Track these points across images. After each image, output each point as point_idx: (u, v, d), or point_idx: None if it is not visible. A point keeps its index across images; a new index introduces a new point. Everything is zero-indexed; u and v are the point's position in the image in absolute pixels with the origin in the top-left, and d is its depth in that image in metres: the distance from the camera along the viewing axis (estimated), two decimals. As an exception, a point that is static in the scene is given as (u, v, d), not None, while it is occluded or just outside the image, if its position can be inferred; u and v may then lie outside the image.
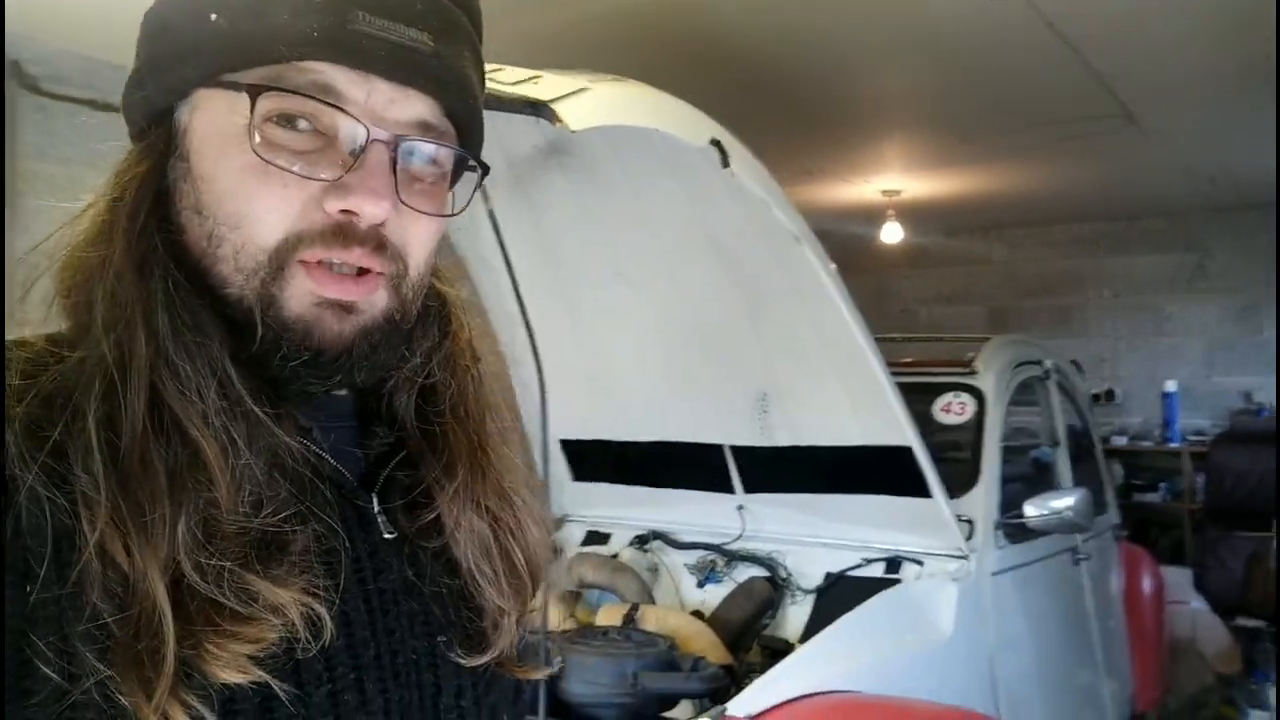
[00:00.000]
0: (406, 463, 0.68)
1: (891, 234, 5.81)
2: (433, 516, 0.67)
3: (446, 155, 0.64)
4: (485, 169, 0.68)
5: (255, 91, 0.57)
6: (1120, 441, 6.44)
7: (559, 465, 2.97)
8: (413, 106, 0.60)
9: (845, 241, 6.89)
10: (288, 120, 0.58)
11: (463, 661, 0.67)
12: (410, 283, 0.63)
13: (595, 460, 2.91)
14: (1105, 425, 6.31)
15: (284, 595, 0.53)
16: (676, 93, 2.01)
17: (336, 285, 0.59)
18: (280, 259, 0.58)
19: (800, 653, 1.98)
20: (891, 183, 5.38)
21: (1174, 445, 6.26)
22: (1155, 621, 3.95)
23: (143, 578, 0.50)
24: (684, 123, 1.89)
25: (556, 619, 2.52)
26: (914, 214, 6.04)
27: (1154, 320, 6.67)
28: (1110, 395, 6.72)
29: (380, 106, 0.59)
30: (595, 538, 2.89)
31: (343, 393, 0.67)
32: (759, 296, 2.39)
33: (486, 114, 1.93)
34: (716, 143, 1.90)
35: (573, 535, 2.94)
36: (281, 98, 0.57)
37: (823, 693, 1.87)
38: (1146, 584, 3.96)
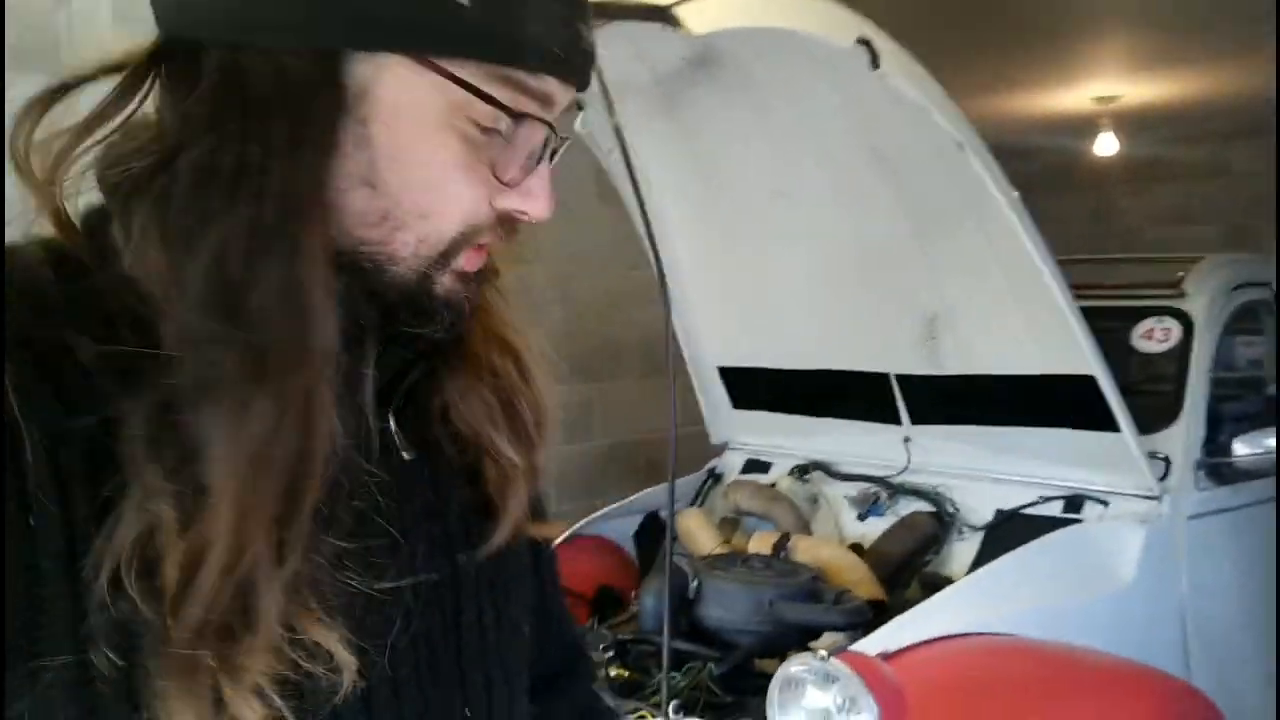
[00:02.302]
0: (426, 376, 0.65)
1: (1106, 146, 5.28)
2: (445, 420, 0.64)
3: None
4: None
5: (515, 117, 0.55)
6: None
7: (718, 393, 2.92)
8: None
9: (1054, 155, 6.34)
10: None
11: (479, 553, 0.65)
12: None
13: (756, 388, 2.84)
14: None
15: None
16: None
17: (476, 257, 0.59)
18: (454, 250, 0.57)
19: (956, 588, 1.87)
20: (1106, 88, 4.87)
21: None
22: None
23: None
24: (826, 22, 1.75)
25: (712, 543, 2.50)
26: (1133, 122, 5.46)
27: None
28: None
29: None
30: (755, 466, 2.84)
31: None
32: (927, 212, 2.22)
33: (627, 31, 1.86)
34: (865, 42, 1.75)
35: (732, 463, 2.90)
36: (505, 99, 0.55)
37: (978, 634, 1.76)
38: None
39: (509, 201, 0.57)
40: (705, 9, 1.52)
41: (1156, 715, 1.50)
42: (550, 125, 0.56)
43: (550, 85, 0.56)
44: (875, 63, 1.75)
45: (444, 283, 0.57)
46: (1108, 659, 1.75)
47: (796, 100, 2.16)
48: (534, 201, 0.57)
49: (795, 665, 1.32)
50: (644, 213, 1.72)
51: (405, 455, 0.62)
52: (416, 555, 0.61)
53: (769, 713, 1.35)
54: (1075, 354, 2.11)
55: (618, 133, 1.67)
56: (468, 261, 0.58)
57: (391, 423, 0.62)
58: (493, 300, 0.67)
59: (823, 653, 1.29)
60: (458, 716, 0.64)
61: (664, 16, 1.48)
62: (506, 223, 0.58)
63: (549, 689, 0.82)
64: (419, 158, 0.54)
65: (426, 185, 0.55)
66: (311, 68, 0.52)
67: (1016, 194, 2.07)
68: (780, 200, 2.44)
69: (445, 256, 0.57)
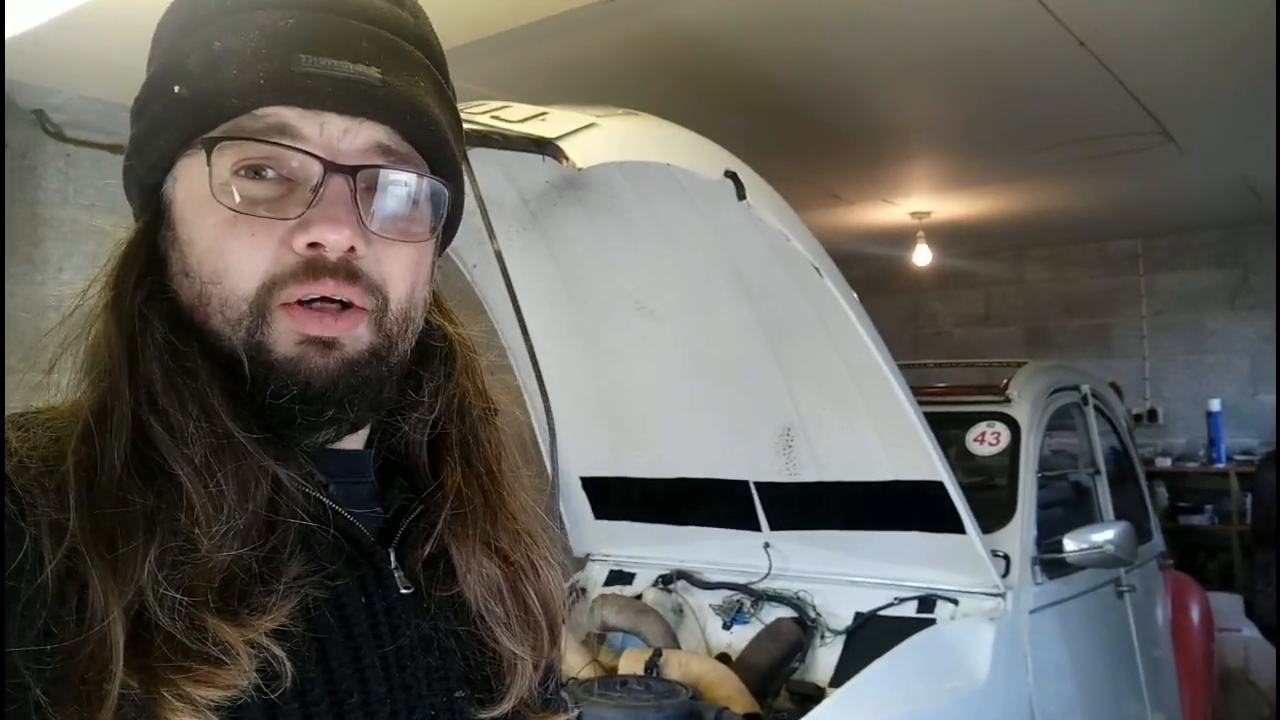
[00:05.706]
0: (425, 514, 0.68)
1: (922, 257, 5.72)
2: (447, 565, 0.67)
3: (420, 184, 0.64)
4: (457, 194, 0.68)
5: (209, 144, 0.59)
6: (1164, 463, 6.26)
7: (580, 503, 2.91)
8: (367, 134, 0.61)
9: (877, 264, 6.81)
10: (254, 171, 0.59)
11: (481, 715, 0.67)
12: (393, 316, 0.63)
13: (618, 498, 2.85)
14: (1148, 446, 6.14)
15: (231, 634, 0.52)
16: (698, 122, 1.96)
17: (316, 321, 0.59)
18: (261, 305, 0.59)
19: (828, 704, 1.90)
20: (921, 204, 5.30)
21: (1220, 466, 6.07)
22: (1204, 653, 3.80)
23: (101, 609, 0.50)
24: (697, 156, 1.84)
25: (579, 661, 2.46)
26: (945, 235, 5.95)
27: (1196, 337, 6.50)
28: (1153, 415, 6.54)
29: (335, 139, 0.60)
30: (619, 577, 2.83)
31: (357, 447, 0.67)
32: (783, 328, 2.33)
33: (496, 152, 1.88)
34: (732, 175, 1.85)
35: (596, 575, 2.88)
36: (239, 147, 0.59)
37: (852, 746, 1.79)
38: (1194, 614, 3.81)
39: (299, 239, 0.59)
40: (587, 142, 1.57)
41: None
42: (294, 148, 0.59)
43: (276, 115, 0.59)
44: (741, 194, 1.85)
45: (278, 346, 0.59)
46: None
47: (661, 222, 2.25)
48: (314, 229, 0.58)
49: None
50: (524, 329, 1.74)
51: (403, 590, 0.65)
52: (411, 686, 0.63)
53: None
54: (924, 462, 2.23)
55: (499, 256, 1.69)
56: (301, 322, 0.59)
57: (391, 558, 0.66)
58: (504, 474, 0.71)
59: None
60: None
61: (549, 150, 1.52)
62: (312, 263, 0.59)
63: None
64: (198, 229, 0.60)
65: (209, 251, 0.59)
66: (151, 206, 0.64)
67: (855, 296, 2.20)
68: (641, 313, 2.50)
69: (258, 314, 0.58)
